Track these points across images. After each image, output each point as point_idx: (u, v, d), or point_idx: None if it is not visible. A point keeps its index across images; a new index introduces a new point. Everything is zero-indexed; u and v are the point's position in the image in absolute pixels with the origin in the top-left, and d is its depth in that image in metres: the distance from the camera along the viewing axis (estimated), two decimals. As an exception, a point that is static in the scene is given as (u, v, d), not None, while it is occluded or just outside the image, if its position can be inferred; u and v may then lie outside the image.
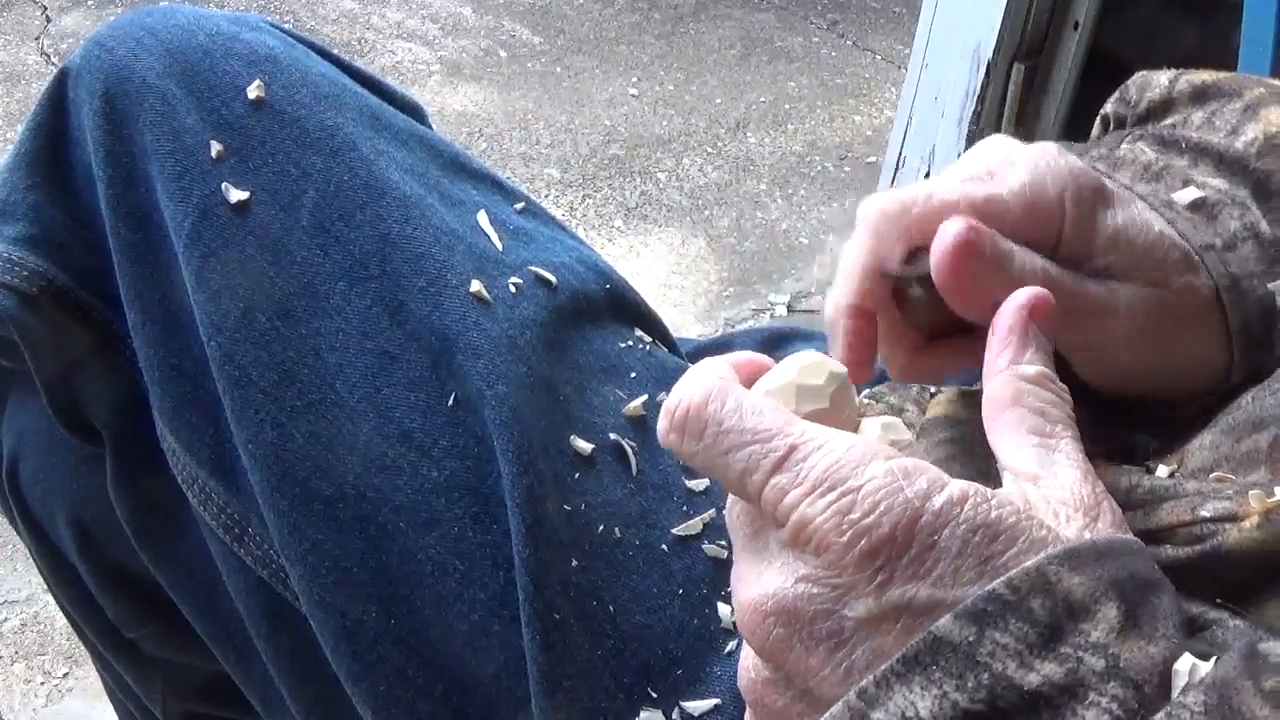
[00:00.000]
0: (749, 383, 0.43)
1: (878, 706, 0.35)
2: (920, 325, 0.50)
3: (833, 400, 0.42)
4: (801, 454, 0.38)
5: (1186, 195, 0.51)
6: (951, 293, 0.45)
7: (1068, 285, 0.47)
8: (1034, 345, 0.43)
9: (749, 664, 0.42)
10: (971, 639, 0.35)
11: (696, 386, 0.41)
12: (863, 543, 0.37)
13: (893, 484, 0.37)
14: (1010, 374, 0.42)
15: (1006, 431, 0.41)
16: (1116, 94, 0.61)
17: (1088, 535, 0.38)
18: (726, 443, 0.40)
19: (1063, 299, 0.45)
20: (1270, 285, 0.49)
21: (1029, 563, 0.36)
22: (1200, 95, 0.56)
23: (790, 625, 0.39)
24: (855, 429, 0.42)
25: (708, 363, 0.43)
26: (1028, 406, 0.41)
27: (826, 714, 0.36)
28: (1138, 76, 0.60)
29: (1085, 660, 0.35)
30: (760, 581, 0.40)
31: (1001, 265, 0.45)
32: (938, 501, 0.37)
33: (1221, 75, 0.57)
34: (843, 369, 0.43)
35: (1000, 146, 0.50)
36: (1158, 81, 0.59)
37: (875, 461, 0.38)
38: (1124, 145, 0.56)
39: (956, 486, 0.38)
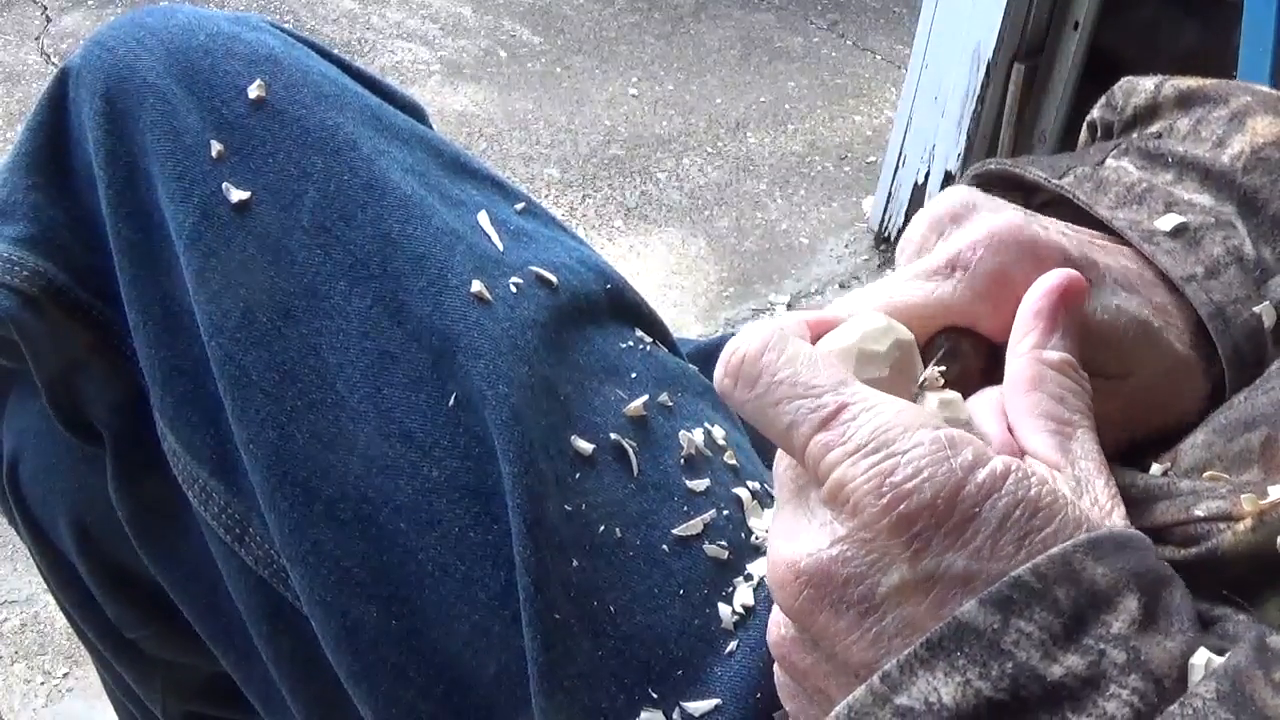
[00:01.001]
0: (817, 339, 0.43)
1: (901, 691, 0.36)
2: None
3: (893, 369, 0.42)
4: (850, 413, 0.38)
5: (1168, 222, 0.51)
6: None
7: None
8: (1061, 330, 0.42)
9: (778, 620, 0.42)
10: (996, 626, 0.35)
11: (756, 335, 0.41)
12: (901, 507, 0.37)
13: (938, 452, 0.37)
14: (1033, 357, 0.42)
15: (1024, 415, 0.41)
16: (1103, 100, 0.61)
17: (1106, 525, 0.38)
18: (778, 394, 0.40)
19: None
20: (1256, 309, 0.49)
21: (1055, 550, 0.36)
22: (1186, 101, 0.56)
23: (821, 587, 0.39)
24: (913, 400, 0.42)
25: (782, 316, 0.43)
26: (1047, 392, 0.41)
27: (850, 696, 0.37)
28: (1124, 82, 0.60)
29: (1107, 653, 0.35)
30: (796, 540, 0.40)
31: None
32: (982, 474, 0.37)
33: (1207, 81, 0.57)
34: (909, 336, 0.43)
35: (955, 212, 0.49)
36: (1143, 87, 0.58)
37: (923, 429, 0.38)
38: (1109, 161, 0.55)
39: (1001, 461, 0.38)
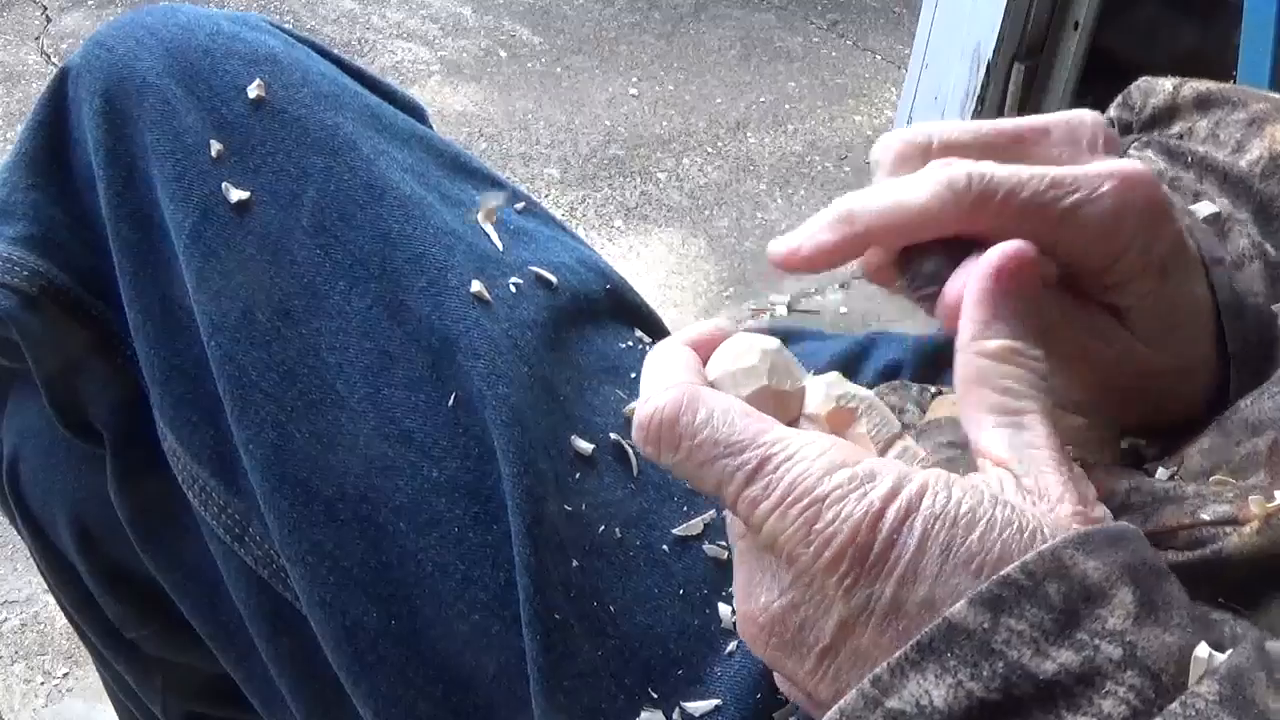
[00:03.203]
0: (705, 356, 0.44)
1: (892, 694, 0.35)
2: (911, 297, 0.48)
3: (770, 374, 0.42)
4: (772, 465, 0.39)
5: (1204, 209, 0.51)
6: (948, 322, 0.44)
7: (1064, 332, 0.46)
8: (1000, 315, 0.41)
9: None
10: (986, 626, 0.35)
11: (666, 396, 0.40)
12: (827, 552, 0.37)
13: (856, 489, 0.37)
14: (970, 352, 0.41)
15: (973, 413, 0.41)
16: (1119, 99, 0.61)
17: (1061, 518, 0.38)
18: (700, 455, 0.40)
19: (1054, 342, 0.44)
20: (1275, 306, 0.49)
21: (1044, 546, 0.36)
22: (1204, 103, 0.56)
23: (782, 636, 0.39)
24: (800, 395, 0.43)
25: (669, 356, 0.43)
26: (991, 386, 0.40)
27: (841, 701, 0.37)
28: (1141, 82, 0.60)
29: (1102, 648, 0.35)
30: (752, 595, 0.40)
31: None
32: (901, 499, 0.37)
33: (1226, 85, 0.57)
34: (774, 342, 0.43)
35: (1101, 135, 0.47)
36: (1162, 88, 0.58)
37: (842, 469, 0.38)
38: (1131, 152, 0.56)
39: (918, 480, 0.38)
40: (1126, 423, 0.51)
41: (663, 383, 0.41)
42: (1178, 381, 0.49)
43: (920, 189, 0.44)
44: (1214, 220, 0.50)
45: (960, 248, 0.44)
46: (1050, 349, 0.44)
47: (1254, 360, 0.49)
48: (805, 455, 0.38)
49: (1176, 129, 0.57)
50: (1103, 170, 0.45)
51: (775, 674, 0.44)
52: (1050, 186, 0.44)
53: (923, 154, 0.46)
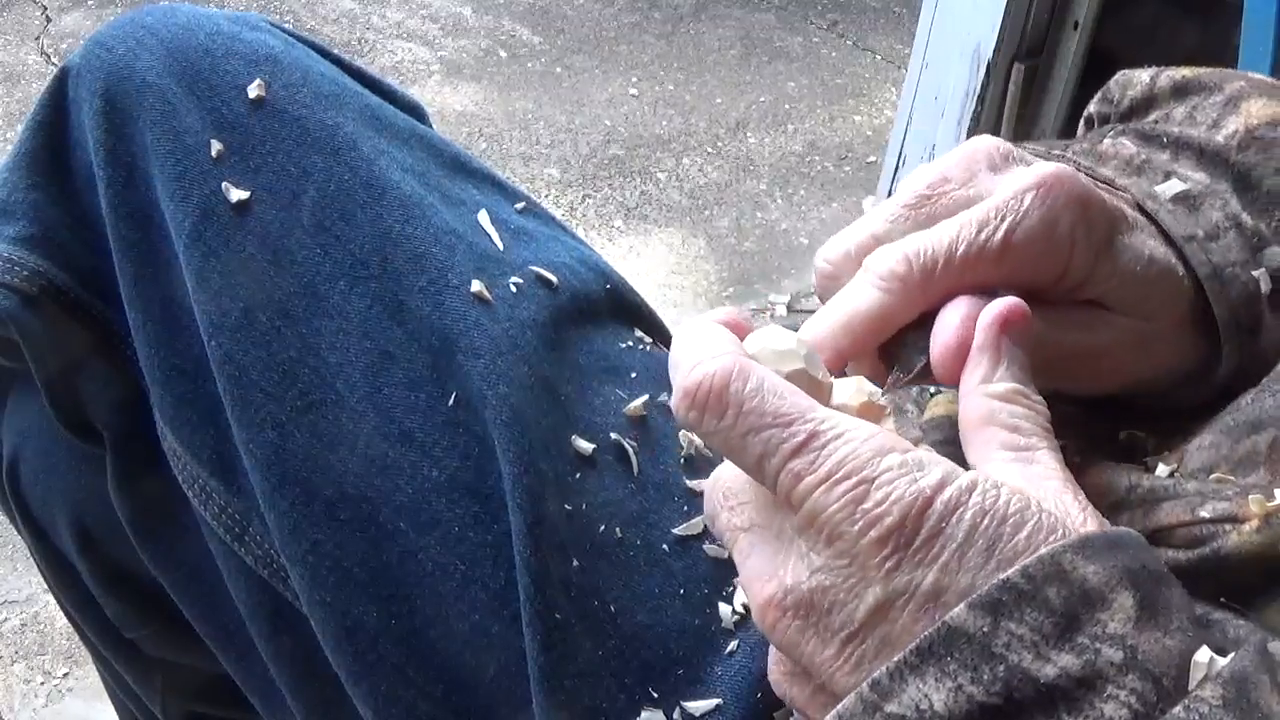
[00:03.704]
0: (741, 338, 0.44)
1: (891, 698, 0.35)
2: (906, 383, 0.49)
3: (806, 360, 0.42)
4: (820, 441, 0.39)
5: (1171, 188, 0.51)
6: (949, 381, 0.45)
7: (1050, 338, 0.46)
8: (1005, 360, 0.42)
9: (774, 657, 0.43)
10: (986, 629, 0.35)
11: (717, 363, 0.40)
12: (873, 531, 0.37)
13: (906, 474, 0.38)
14: (980, 393, 0.42)
15: (983, 451, 0.41)
16: (1099, 94, 0.61)
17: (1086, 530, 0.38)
18: (747, 424, 0.39)
19: (1042, 350, 0.44)
20: (1254, 273, 0.49)
21: (1044, 551, 0.36)
22: (1181, 90, 0.57)
23: (806, 618, 0.39)
24: (830, 388, 0.43)
25: (707, 330, 0.43)
26: (1000, 424, 0.41)
27: (839, 705, 0.37)
28: (1120, 75, 0.60)
29: (1103, 652, 0.35)
30: (777, 575, 0.40)
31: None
32: (949, 491, 0.37)
33: (1203, 70, 0.57)
34: (806, 335, 0.44)
35: (998, 155, 0.49)
36: (1139, 79, 0.59)
37: (892, 453, 0.38)
38: (1105, 140, 0.56)
39: (967, 477, 0.38)
40: (1130, 407, 0.51)
41: (709, 351, 0.41)
42: (1176, 352, 0.49)
43: (864, 292, 0.46)
44: (1183, 198, 0.51)
45: (928, 318, 0.45)
46: (1054, 365, 0.45)
47: (1242, 328, 0.49)
48: (854, 436, 0.39)
49: (1154, 116, 0.57)
50: (1018, 187, 0.46)
51: (772, 679, 0.43)
52: (979, 229, 0.45)
53: (849, 261, 0.47)
